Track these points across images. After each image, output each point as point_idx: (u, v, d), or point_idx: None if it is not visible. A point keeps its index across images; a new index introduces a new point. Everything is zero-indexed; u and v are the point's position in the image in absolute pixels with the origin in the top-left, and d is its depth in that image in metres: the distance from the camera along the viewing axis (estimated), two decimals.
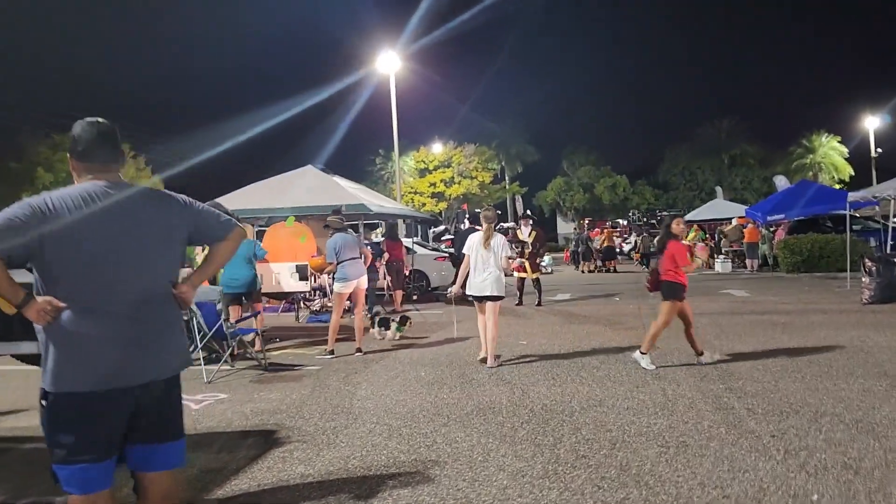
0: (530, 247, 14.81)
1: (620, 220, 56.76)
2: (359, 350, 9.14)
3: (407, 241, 19.58)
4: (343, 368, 8.17)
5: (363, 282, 9.18)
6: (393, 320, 10.69)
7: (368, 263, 9.70)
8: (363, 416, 5.95)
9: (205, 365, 7.76)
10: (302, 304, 13.41)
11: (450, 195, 43.34)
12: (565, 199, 65.90)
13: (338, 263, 8.97)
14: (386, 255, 14.85)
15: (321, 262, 11.03)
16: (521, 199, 50.84)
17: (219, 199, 14.60)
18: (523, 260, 14.72)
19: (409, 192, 44.46)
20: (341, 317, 9.27)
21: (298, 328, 12.31)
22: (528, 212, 22.68)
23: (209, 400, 6.76)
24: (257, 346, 8.64)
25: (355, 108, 37.79)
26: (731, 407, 5.82)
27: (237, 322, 7.95)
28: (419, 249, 19.08)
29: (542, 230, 15.46)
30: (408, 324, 10.51)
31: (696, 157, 64.26)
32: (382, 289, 15.64)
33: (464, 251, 8.27)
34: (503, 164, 61.05)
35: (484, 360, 8.16)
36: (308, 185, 13.96)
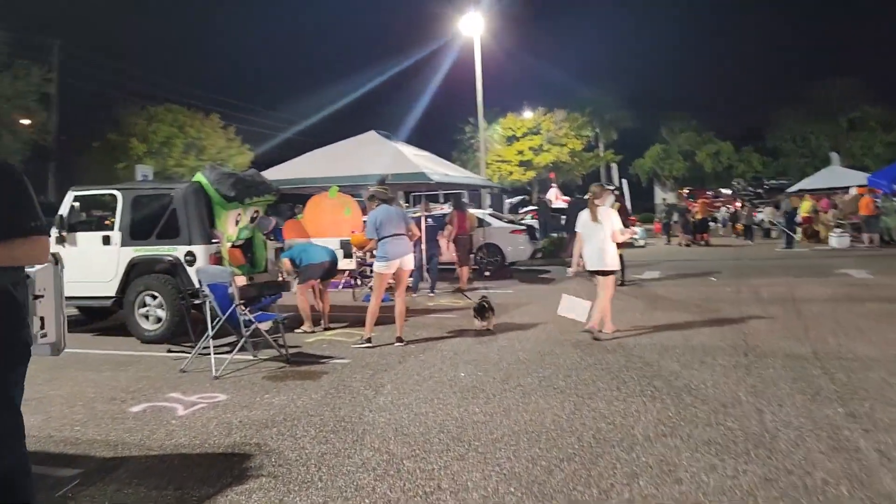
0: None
1: (723, 190, 53.08)
2: (399, 340, 8.00)
3: (480, 213, 18.30)
4: (373, 363, 7.02)
5: (407, 262, 7.98)
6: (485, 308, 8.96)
7: (415, 240, 8.42)
8: (366, 437, 4.76)
9: (215, 354, 6.79)
10: (359, 281, 12.39)
11: (538, 163, 41.41)
12: (664, 167, 62.44)
13: (379, 240, 7.84)
14: (451, 229, 13.60)
15: (362, 239, 9.90)
16: (615, 168, 48.30)
17: (273, 169, 13.82)
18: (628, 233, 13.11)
19: (496, 161, 42.87)
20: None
21: (352, 307, 11.30)
22: (620, 181, 20.66)
23: (202, 403, 5.76)
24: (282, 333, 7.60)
25: (440, 74, 36.54)
26: (854, 447, 4.25)
27: (249, 308, 6.89)
28: (494, 221, 17.72)
29: (624, 202, 13.71)
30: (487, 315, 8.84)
31: (810, 121, 59.14)
32: (451, 263, 14.42)
33: (576, 229, 8.29)
34: (597, 130, 58.21)
35: (594, 334, 8.08)
36: (365, 153, 12.86)
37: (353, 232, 13.02)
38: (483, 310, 8.72)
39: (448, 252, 13.76)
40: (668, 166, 61.98)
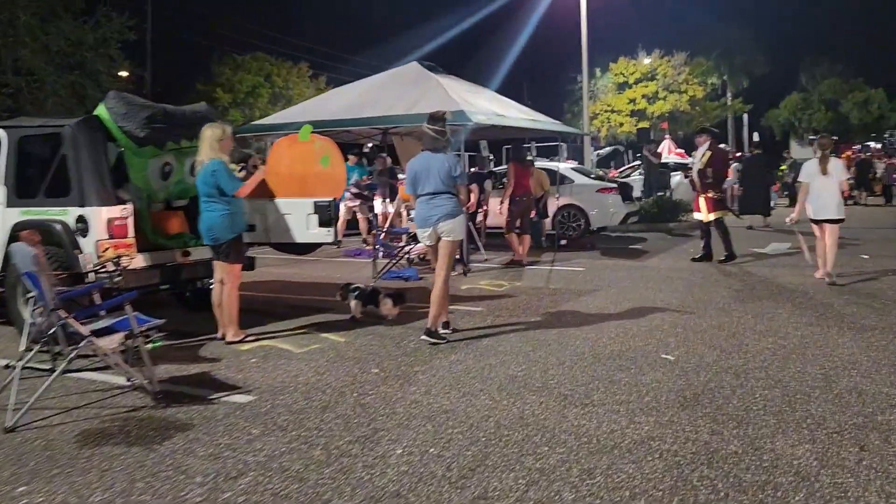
0: (707, 175, 9.82)
1: (872, 144, 46.42)
2: (429, 332, 5.84)
3: (563, 167, 15.19)
4: (316, 392, 4.47)
5: (451, 229, 5.87)
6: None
7: (471, 202, 6.88)
8: None
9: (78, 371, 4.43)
10: (380, 251, 9.84)
11: (652, 113, 37.00)
12: (801, 118, 55.62)
13: (416, 198, 6.04)
14: (508, 188, 10.78)
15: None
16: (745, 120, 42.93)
17: (284, 112, 11.41)
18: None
19: (605, 111, 38.82)
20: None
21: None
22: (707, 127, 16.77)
23: None
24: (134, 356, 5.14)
25: (542, 14, 32.92)
26: None
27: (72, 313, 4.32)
28: (577, 178, 14.58)
29: (721, 151, 10.31)
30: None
31: None
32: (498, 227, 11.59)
33: (800, 179, 8.62)
34: (724, 77, 52.33)
35: (827, 277, 8.16)
36: (394, 89, 10.17)
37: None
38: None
39: (500, 215, 10.94)
40: (807, 118, 55.24)
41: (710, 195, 9.83)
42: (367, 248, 11.32)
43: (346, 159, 13.43)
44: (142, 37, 37.69)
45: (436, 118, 6.03)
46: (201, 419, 4.10)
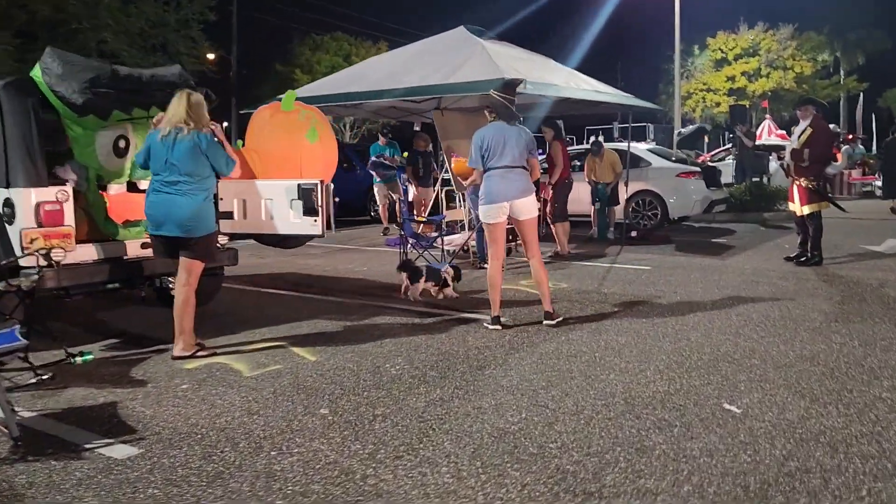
0: (803, 157, 7.96)
1: None
2: (549, 316, 5.63)
3: (640, 148, 13.46)
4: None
5: (526, 207, 5.54)
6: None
7: (535, 177, 5.68)
8: None
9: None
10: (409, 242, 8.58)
11: (753, 92, 33.91)
12: None
13: (485, 171, 5.52)
14: (557, 171, 9.35)
15: (465, 167, 7.44)
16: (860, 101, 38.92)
17: (317, 83, 10.33)
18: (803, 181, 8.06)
19: (701, 90, 35.97)
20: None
21: (373, 285, 7.60)
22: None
23: None
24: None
25: None
26: None
27: None
28: (654, 160, 12.83)
29: (825, 129, 8.32)
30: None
31: None
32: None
33: None
34: (837, 54, 47.93)
35: None
36: (437, 58, 8.81)
37: (453, 156, 9.26)
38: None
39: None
40: None
41: (803, 183, 8.01)
42: (391, 236, 10.09)
43: (378, 139, 12.45)
44: (227, 18, 37.80)
45: (511, 85, 5.87)
46: (44, 485, 2.96)
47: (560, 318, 5.66)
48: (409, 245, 8.32)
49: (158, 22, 26.51)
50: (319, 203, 5.37)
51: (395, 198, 10.46)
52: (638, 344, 5.05)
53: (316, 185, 5.38)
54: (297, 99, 5.92)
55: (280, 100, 5.63)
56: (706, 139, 30.99)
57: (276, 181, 5.45)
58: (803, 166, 7.97)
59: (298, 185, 5.39)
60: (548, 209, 9.50)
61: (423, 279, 6.80)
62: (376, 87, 8.65)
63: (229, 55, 34.78)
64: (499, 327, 5.50)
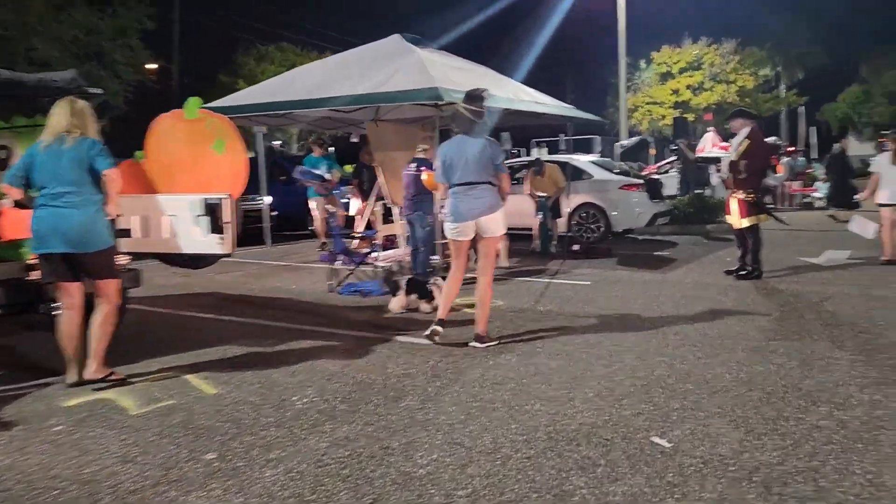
0: (740, 169, 7.84)
1: None
2: (479, 338, 5.36)
3: (581, 160, 13.33)
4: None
5: (490, 224, 5.32)
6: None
7: (503, 193, 5.41)
8: None
9: None
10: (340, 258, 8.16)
11: (697, 105, 34.45)
12: (862, 112, 52.19)
13: (450, 188, 5.34)
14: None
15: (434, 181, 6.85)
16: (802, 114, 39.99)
17: (248, 90, 9.91)
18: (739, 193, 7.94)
19: (647, 103, 36.44)
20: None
21: (302, 307, 7.19)
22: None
23: None
24: None
25: (579, 5, 30.79)
26: None
27: None
28: (597, 172, 12.68)
29: (761, 141, 8.16)
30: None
31: None
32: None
33: (872, 170, 9.45)
34: (779, 69, 49.26)
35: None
36: (369, 67, 8.46)
37: (419, 169, 8.87)
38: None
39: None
40: (867, 111, 51.86)
41: (741, 195, 7.88)
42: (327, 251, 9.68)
43: (311, 151, 12.02)
44: (168, 27, 36.80)
45: (473, 96, 5.35)
46: None
47: (491, 343, 5.35)
48: (339, 261, 7.92)
49: (93, 29, 25.55)
50: (227, 219, 4.94)
51: (332, 211, 10.05)
52: (569, 368, 4.75)
53: (223, 199, 4.95)
54: (217, 110, 5.51)
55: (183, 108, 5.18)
56: (653, 151, 31.30)
57: (180, 196, 5.01)
58: (741, 178, 7.84)
59: (204, 200, 4.96)
60: None
61: (402, 292, 6.60)
62: (304, 97, 8.27)
63: (170, 65, 33.92)
64: (439, 329, 5.34)
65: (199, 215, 4.98)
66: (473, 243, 5.50)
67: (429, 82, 7.50)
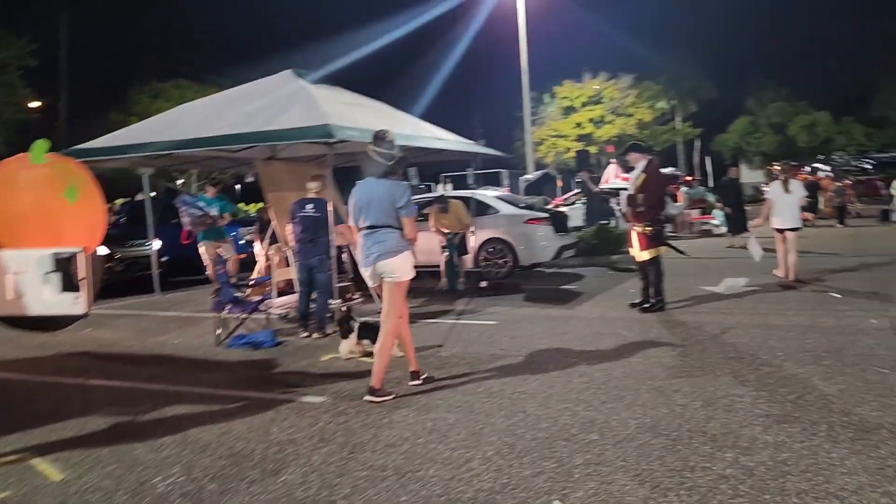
0: (638, 202, 7.85)
1: (820, 166, 46.16)
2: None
3: (487, 195, 13.25)
4: None
5: (394, 268, 5.10)
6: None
7: (410, 236, 5.18)
8: None
9: None
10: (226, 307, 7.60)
11: (599, 137, 35.55)
12: (750, 142, 55.33)
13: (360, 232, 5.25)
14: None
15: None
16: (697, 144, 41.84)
17: (124, 130, 9.30)
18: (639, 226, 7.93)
19: (552, 136, 37.32)
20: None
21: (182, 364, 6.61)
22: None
23: None
24: None
25: (486, 41, 31.30)
26: None
27: None
28: (503, 207, 12.59)
29: (657, 173, 8.19)
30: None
31: None
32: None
33: (767, 195, 10.25)
34: (673, 102, 51.68)
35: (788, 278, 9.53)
36: (257, 104, 8.03)
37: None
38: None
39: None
40: (756, 141, 55.06)
41: (639, 229, 7.88)
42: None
43: (206, 191, 11.45)
44: (56, 64, 35.07)
45: (379, 137, 5.20)
46: None
47: (387, 398, 5.00)
48: (227, 311, 7.37)
49: None
50: (81, 275, 4.39)
51: (222, 256, 9.44)
52: (469, 422, 4.42)
53: (76, 253, 4.41)
54: (85, 152, 4.97)
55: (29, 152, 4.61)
56: (560, 183, 31.95)
57: (26, 251, 4.43)
58: (639, 211, 7.83)
59: (54, 255, 4.40)
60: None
61: (353, 335, 6.31)
62: (187, 136, 7.75)
63: (57, 102, 32.31)
64: (419, 381, 5.28)
65: (48, 272, 4.41)
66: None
67: (319, 119, 7.15)
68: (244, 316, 7.41)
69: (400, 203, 5.08)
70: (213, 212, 8.98)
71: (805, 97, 55.22)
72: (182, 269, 12.92)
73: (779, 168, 10.78)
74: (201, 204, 9.52)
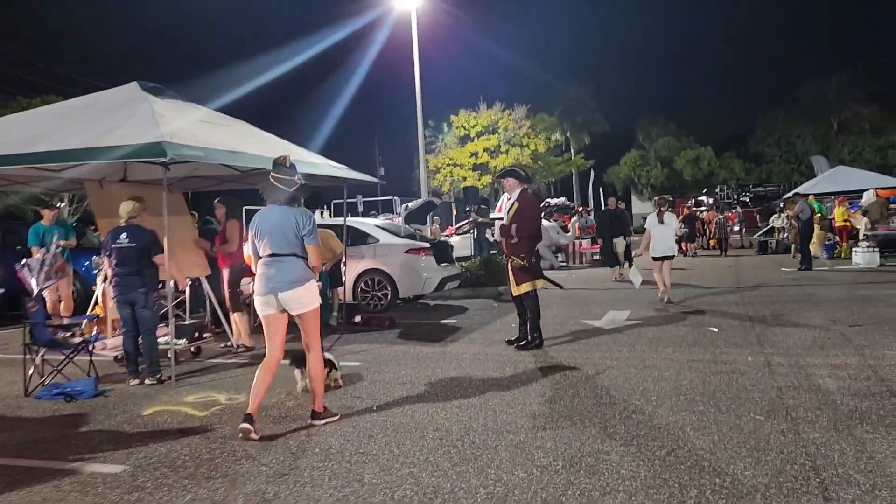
0: (511, 233, 7.40)
1: (704, 198, 48.37)
2: (315, 414, 5.06)
3: (364, 223, 12.57)
4: None
5: (299, 299, 4.92)
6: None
7: (314, 265, 5.06)
8: None
9: None
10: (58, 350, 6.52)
11: (494, 167, 35.63)
12: (640, 174, 57.55)
13: (257, 259, 5.04)
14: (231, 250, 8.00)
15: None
16: (592, 175, 42.87)
17: None
18: (515, 259, 7.45)
19: (448, 165, 37.17)
20: None
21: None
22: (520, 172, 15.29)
23: None
24: None
25: (384, 70, 30.81)
26: None
27: None
28: (383, 236, 11.92)
29: (530, 202, 7.70)
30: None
31: (797, 124, 54.92)
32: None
33: (645, 226, 11.00)
34: (567, 134, 53.02)
35: (664, 301, 10.56)
36: (92, 118, 7.05)
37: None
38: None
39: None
40: (646, 174, 57.38)
41: (514, 262, 7.41)
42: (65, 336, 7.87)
43: (41, 216, 10.20)
44: None
45: (279, 164, 5.08)
46: None
47: (331, 419, 5.07)
48: (41, 354, 6.30)
49: None
50: None
51: (56, 293, 8.26)
52: (289, 498, 3.66)
53: None
54: None
55: None
56: (455, 212, 31.65)
57: None
58: (513, 243, 7.34)
59: None
60: (225, 296, 8.06)
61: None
62: (6, 152, 6.64)
63: None
64: (248, 427, 4.70)
65: None
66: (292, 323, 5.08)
67: (154, 136, 6.26)
68: (65, 360, 6.35)
69: (304, 231, 4.98)
70: (53, 248, 7.74)
71: (691, 132, 58.31)
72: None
73: (655, 201, 11.48)
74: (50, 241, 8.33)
